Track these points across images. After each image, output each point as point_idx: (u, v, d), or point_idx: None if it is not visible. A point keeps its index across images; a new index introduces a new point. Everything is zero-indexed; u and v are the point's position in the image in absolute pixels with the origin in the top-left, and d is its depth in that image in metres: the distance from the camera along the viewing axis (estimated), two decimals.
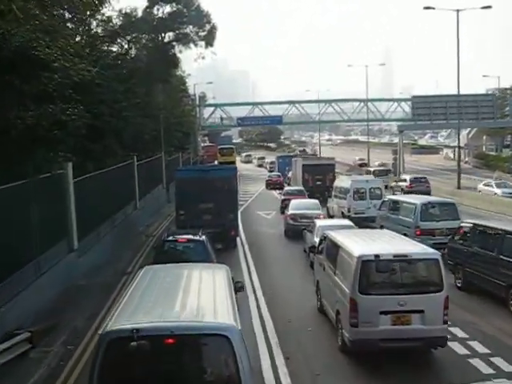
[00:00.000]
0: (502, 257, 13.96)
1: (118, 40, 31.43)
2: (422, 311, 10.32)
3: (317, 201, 28.79)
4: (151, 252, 19.14)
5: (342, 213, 28.61)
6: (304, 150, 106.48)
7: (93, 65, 20.83)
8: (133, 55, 31.36)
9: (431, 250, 11.28)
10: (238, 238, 23.77)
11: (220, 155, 70.89)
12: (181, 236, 16.05)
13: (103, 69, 21.29)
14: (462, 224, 17.03)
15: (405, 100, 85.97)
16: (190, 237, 15.69)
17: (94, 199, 19.31)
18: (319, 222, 19.94)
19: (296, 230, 23.62)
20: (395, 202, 23.11)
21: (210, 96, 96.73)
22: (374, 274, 10.66)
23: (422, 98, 58.05)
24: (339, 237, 12.69)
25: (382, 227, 22.94)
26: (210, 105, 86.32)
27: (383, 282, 10.75)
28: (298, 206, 26.41)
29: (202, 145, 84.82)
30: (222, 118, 77.89)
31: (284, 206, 30.80)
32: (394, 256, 10.69)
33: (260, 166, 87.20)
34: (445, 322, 10.55)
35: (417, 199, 22.12)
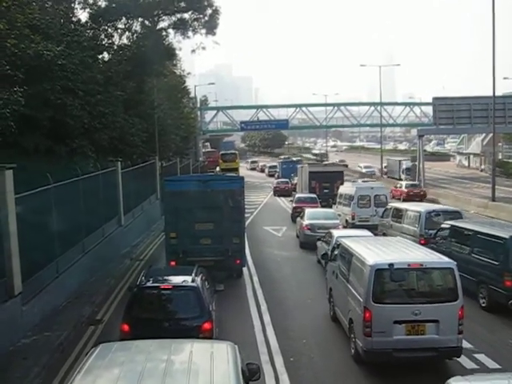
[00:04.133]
0: (473, 255, 15.14)
1: (105, 27, 26.72)
2: (436, 321, 10.16)
3: (333, 210, 28.08)
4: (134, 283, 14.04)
5: (346, 220, 27.72)
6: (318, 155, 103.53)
7: (57, 44, 15.98)
8: (119, 43, 26.41)
9: (446, 259, 11.03)
10: (244, 269, 18.64)
11: (222, 161, 66.71)
12: (165, 279, 11.31)
13: (70, 48, 16.31)
14: (442, 225, 17.85)
15: (418, 104, 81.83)
16: (178, 281, 10.94)
17: (51, 219, 14.31)
18: (336, 233, 18.40)
19: (313, 242, 21.58)
20: (399, 210, 22.87)
21: (212, 99, 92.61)
22: (388, 283, 10.44)
23: (445, 99, 52.89)
24: (352, 244, 12.41)
25: (384, 235, 22.85)
26: (212, 108, 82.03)
27: (397, 291, 10.52)
28: (314, 215, 24.64)
29: (203, 150, 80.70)
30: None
31: (296, 213, 29.28)
32: (409, 265, 10.50)
33: (253, 169, 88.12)
34: (460, 332, 10.31)
35: (421, 207, 21.93)
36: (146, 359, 5.62)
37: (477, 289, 14.77)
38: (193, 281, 10.73)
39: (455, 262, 10.77)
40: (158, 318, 10.15)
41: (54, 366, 10.78)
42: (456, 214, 20.51)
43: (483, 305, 14.53)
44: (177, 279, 11.09)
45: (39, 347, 11.52)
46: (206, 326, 10.02)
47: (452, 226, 17.17)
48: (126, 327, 10.01)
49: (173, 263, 16.67)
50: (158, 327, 9.59)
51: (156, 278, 11.25)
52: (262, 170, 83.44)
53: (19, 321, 11.99)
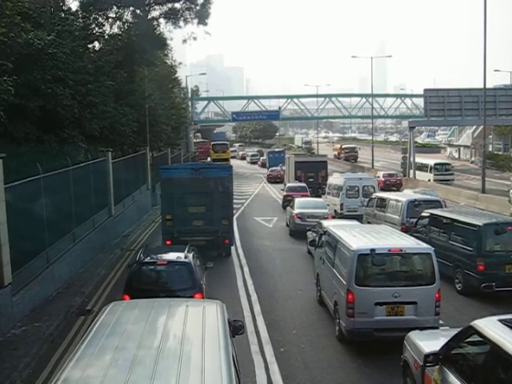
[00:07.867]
0: (450, 242, 15.98)
1: (96, 16, 26.43)
2: (414, 303, 10.72)
3: (323, 199, 28.78)
4: (125, 273, 14.13)
5: (335, 210, 28.45)
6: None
7: (48, 32, 15.82)
8: (110, 32, 26.17)
9: (424, 245, 11.69)
10: (235, 260, 19.12)
11: (213, 152, 66.72)
12: (161, 256, 12.48)
13: (61, 37, 16.13)
14: (422, 214, 18.55)
15: (410, 96, 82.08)
16: (173, 258, 12.12)
17: (41, 209, 14.22)
18: (326, 223, 18.26)
19: (303, 230, 22.21)
20: (382, 200, 23.50)
21: (204, 90, 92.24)
22: (370, 267, 11.02)
23: (436, 91, 52.86)
24: (338, 231, 12.96)
25: (369, 224, 23.42)
26: (204, 98, 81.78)
27: (379, 275, 11.14)
28: (304, 204, 25.19)
29: (195, 141, 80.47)
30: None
31: (286, 202, 30.29)
32: (389, 250, 11.02)
33: (232, 157, 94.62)
34: (436, 314, 10.89)
35: (403, 197, 22.72)
36: (151, 312, 6.57)
37: (453, 273, 15.58)
38: (185, 257, 11.92)
39: (433, 248, 11.34)
40: (154, 290, 10.97)
41: (44, 357, 10.77)
42: (436, 203, 21.19)
43: (459, 288, 15.32)
44: (171, 256, 12.34)
45: (29, 338, 11.48)
46: (197, 296, 10.94)
47: (431, 214, 17.88)
48: (126, 297, 10.78)
49: (168, 242, 18.57)
50: (155, 298, 10.05)
51: (152, 256, 12.25)
52: (243, 158, 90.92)
53: (9, 311, 11.94)
